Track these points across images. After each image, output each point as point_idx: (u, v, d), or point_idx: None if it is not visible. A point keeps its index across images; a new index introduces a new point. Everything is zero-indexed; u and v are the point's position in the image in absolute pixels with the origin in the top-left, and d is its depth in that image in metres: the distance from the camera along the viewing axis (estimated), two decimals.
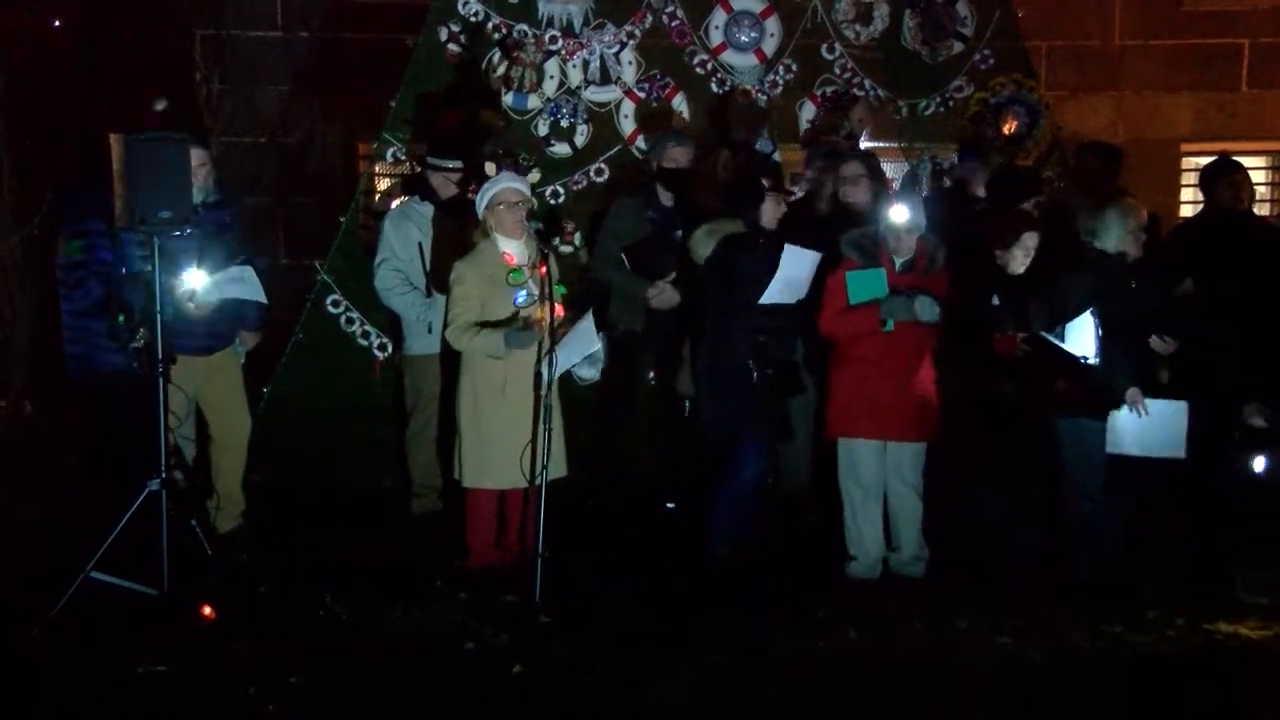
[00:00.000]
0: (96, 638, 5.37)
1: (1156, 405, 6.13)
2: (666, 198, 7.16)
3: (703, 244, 6.49)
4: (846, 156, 7.33)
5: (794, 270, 6.19)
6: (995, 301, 6.23)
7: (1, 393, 8.62)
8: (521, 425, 6.12)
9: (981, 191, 7.27)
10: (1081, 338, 6.14)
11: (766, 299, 6.21)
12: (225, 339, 6.67)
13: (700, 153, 7.38)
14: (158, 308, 5.70)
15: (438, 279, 6.87)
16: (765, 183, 6.43)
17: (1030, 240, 6.25)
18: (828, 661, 5.31)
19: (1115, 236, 6.28)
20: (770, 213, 6.41)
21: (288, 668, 5.15)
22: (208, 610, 5.59)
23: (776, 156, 8.03)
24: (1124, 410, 6.14)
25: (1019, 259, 6.26)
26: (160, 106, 6.45)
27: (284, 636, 5.49)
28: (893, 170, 8.17)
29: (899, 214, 6.25)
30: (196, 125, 8.30)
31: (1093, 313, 6.14)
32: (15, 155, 8.69)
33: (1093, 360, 6.14)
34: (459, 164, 7.16)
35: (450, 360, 6.49)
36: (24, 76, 8.53)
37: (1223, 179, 6.97)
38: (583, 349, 6.17)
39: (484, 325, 6.07)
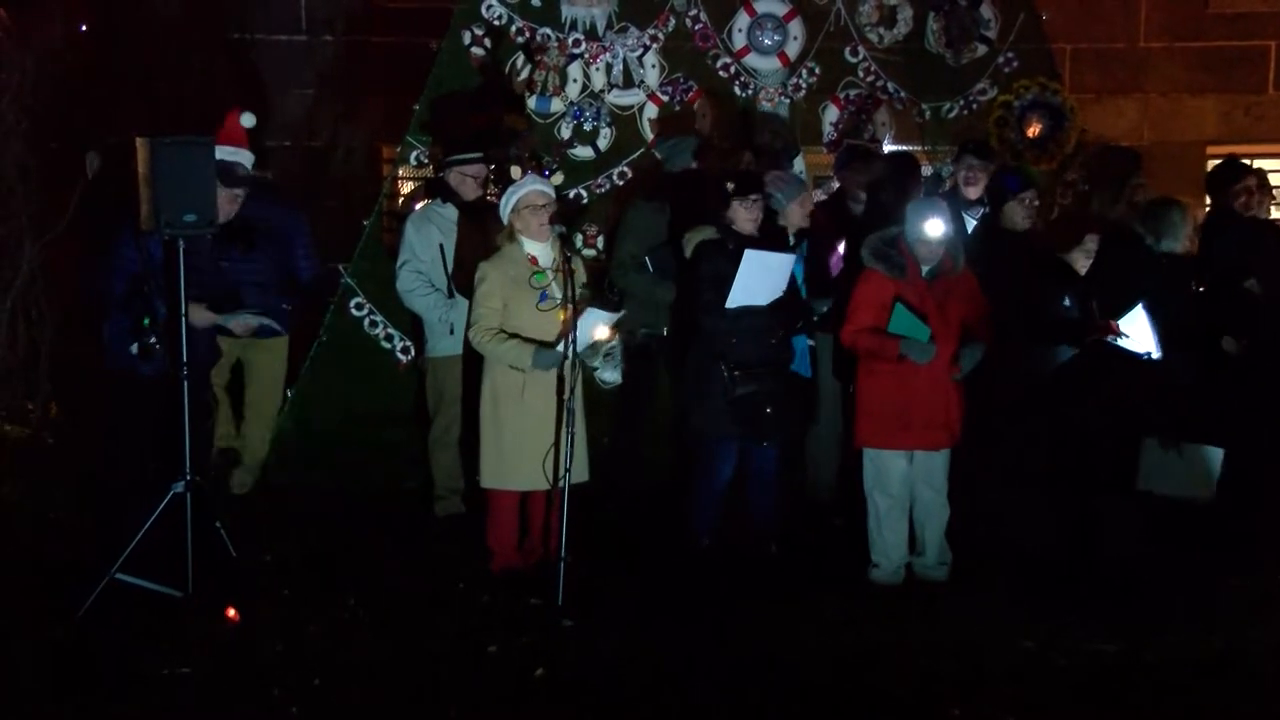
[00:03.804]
0: (121, 639, 5.39)
1: (1191, 450, 5.97)
2: None
3: (687, 250, 6.53)
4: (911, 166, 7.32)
5: (757, 273, 6.17)
6: (1066, 303, 6.17)
7: (28, 396, 8.66)
8: (543, 428, 6.12)
9: (973, 195, 7.20)
10: (1139, 334, 6.08)
11: (731, 303, 6.20)
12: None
13: (722, 156, 7.36)
14: (183, 312, 5.72)
15: (459, 281, 6.89)
16: (729, 186, 6.38)
17: (1090, 242, 6.20)
18: (849, 665, 5.30)
19: (1180, 237, 6.23)
20: (742, 217, 6.36)
21: (311, 670, 5.17)
22: (232, 612, 5.61)
23: (800, 160, 8.04)
24: (1153, 448, 6.02)
25: (1080, 261, 6.22)
26: (248, 123, 6.87)
27: (307, 639, 5.51)
28: None
29: (935, 229, 6.08)
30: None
31: (1145, 307, 6.08)
32: (41, 159, 8.73)
33: (1156, 355, 6.08)
34: (469, 157, 7.12)
35: (473, 362, 6.50)
36: (50, 80, 8.56)
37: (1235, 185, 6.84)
38: (587, 328, 6.09)
39: (512, 336, 6.07)
